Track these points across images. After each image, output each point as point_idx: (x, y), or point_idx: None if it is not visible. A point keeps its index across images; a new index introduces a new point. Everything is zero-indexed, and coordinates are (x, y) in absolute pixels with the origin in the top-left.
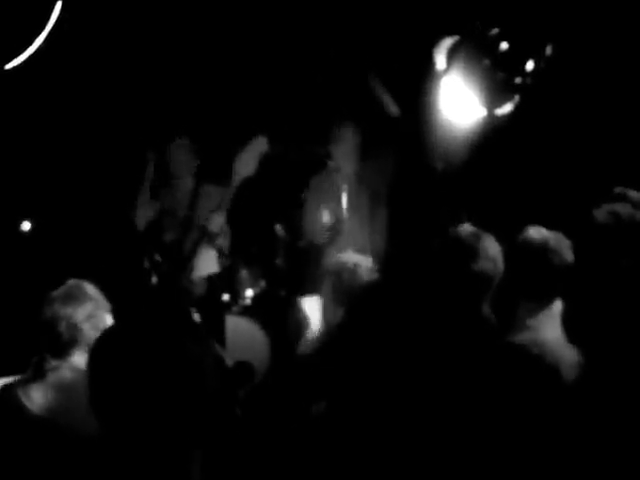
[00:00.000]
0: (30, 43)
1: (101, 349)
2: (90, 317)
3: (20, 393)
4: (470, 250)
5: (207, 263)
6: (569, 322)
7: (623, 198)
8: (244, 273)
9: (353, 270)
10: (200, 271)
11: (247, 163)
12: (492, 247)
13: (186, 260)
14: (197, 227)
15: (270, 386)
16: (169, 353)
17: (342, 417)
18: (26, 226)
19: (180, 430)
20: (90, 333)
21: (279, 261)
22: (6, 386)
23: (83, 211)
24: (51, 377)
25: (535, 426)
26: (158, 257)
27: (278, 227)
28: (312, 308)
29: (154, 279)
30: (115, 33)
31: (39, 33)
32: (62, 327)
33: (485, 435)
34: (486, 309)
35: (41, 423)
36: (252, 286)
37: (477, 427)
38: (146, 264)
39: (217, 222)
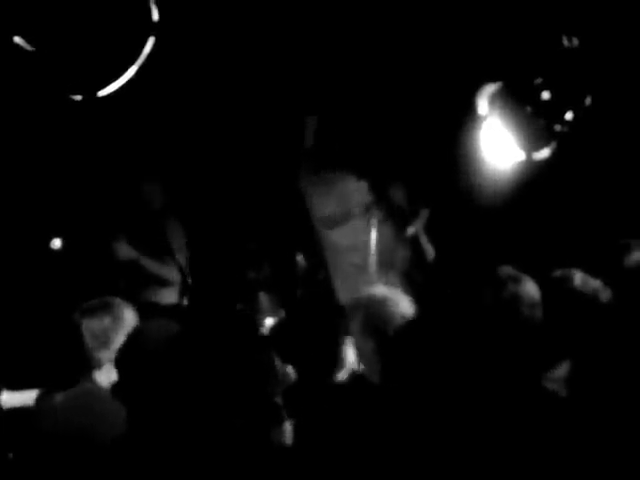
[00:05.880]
0: (123, 73)
1: (172, 350)
2: (102, 334)
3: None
4: (513, 296)
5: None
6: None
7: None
8: (265, 302)
9: (382, 303)
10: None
11: None
12: (533, 293)
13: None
14: None
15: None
16: (241, 358)
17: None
18: (57, 243)
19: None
20: (101, 349)
21: (299, 291)
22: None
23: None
24: (73, 390)
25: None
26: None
27: (300, 257)
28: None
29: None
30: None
31: (132, 64)
32: (81, 341)
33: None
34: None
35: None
36: (272, 315)
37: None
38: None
39: None
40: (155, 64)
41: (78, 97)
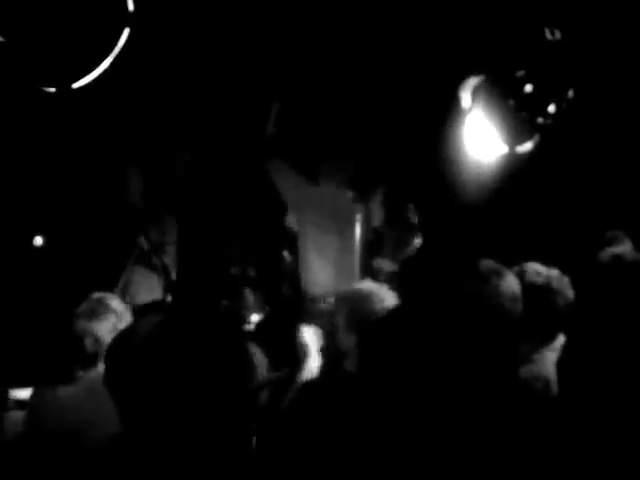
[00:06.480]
0: (98, 64)
1: (161, 345)
2: (112, 331)
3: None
4: (494, 290)
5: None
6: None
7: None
8: (251, 299)
9: (366, 297)
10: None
11: None
12: (515, 286)
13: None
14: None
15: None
16: (230, 350)
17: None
18: (38, 241)
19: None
20: None
21: (285, 288)
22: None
23: (95, 225)
24: (81, 382)
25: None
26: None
27: (285, 254)
28: (311, 337)
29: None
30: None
31: (107, 55)
32: (87, 342)
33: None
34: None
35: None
36: (257, 311)
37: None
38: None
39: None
40: (129, 55)
41: (52, 89)
